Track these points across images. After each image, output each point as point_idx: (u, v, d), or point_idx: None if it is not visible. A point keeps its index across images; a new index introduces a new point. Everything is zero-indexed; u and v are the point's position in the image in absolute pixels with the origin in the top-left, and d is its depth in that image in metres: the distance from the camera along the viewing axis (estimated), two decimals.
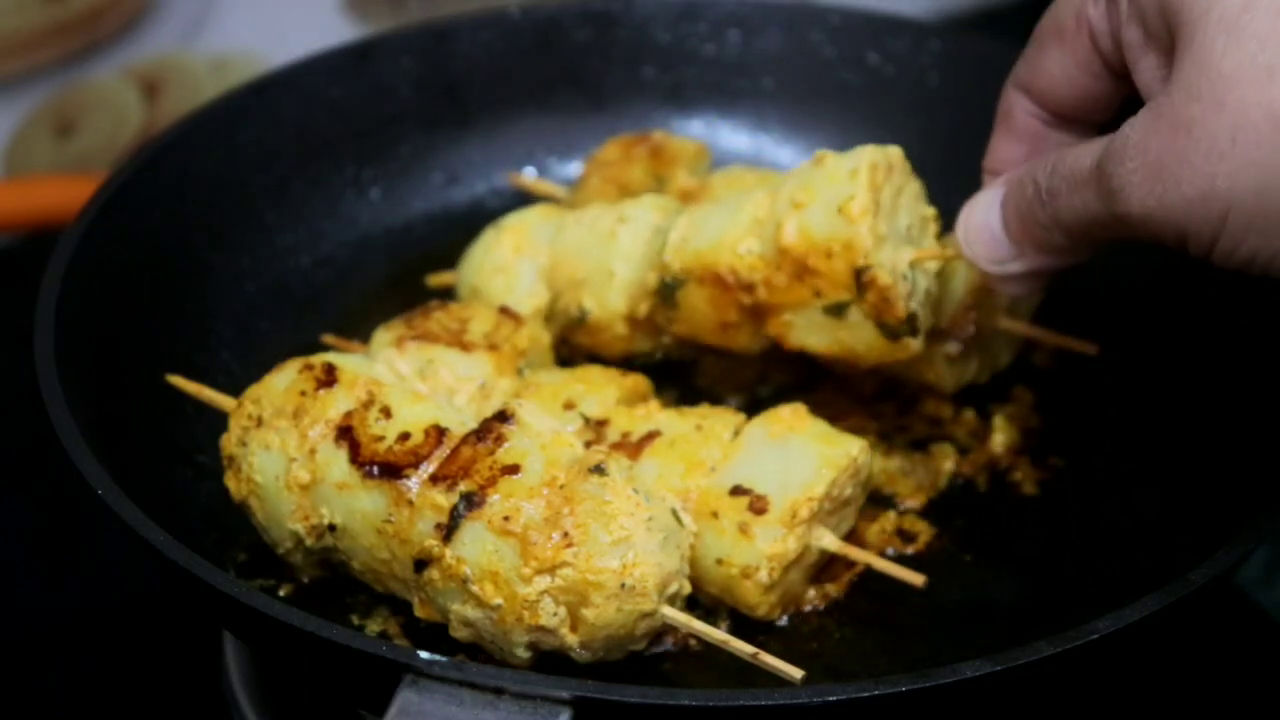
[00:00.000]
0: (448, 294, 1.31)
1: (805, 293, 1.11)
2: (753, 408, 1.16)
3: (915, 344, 1.11)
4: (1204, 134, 0.85)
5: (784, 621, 1.08)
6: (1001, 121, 1.07)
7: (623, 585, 0.96)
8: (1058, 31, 1.01)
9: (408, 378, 1.13)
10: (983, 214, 1.03)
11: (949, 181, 1.42)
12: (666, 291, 1.18)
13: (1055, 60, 1.01)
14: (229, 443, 1.08)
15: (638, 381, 1.16)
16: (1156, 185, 0.88)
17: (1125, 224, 0.91)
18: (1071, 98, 1.02)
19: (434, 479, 1.00)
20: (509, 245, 1.26)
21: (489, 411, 1.06)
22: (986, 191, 1.04)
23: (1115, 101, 1.01)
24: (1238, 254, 0.87)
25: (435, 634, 1.02)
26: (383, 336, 1.17)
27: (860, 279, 1.08)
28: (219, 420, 1.10)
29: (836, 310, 1.10)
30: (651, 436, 1.09)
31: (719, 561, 1.04)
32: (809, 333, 1.12)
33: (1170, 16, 0.89)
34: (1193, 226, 0.87)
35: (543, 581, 0.96)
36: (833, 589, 1.10)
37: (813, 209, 1.10)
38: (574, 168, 1.46)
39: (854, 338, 1.11)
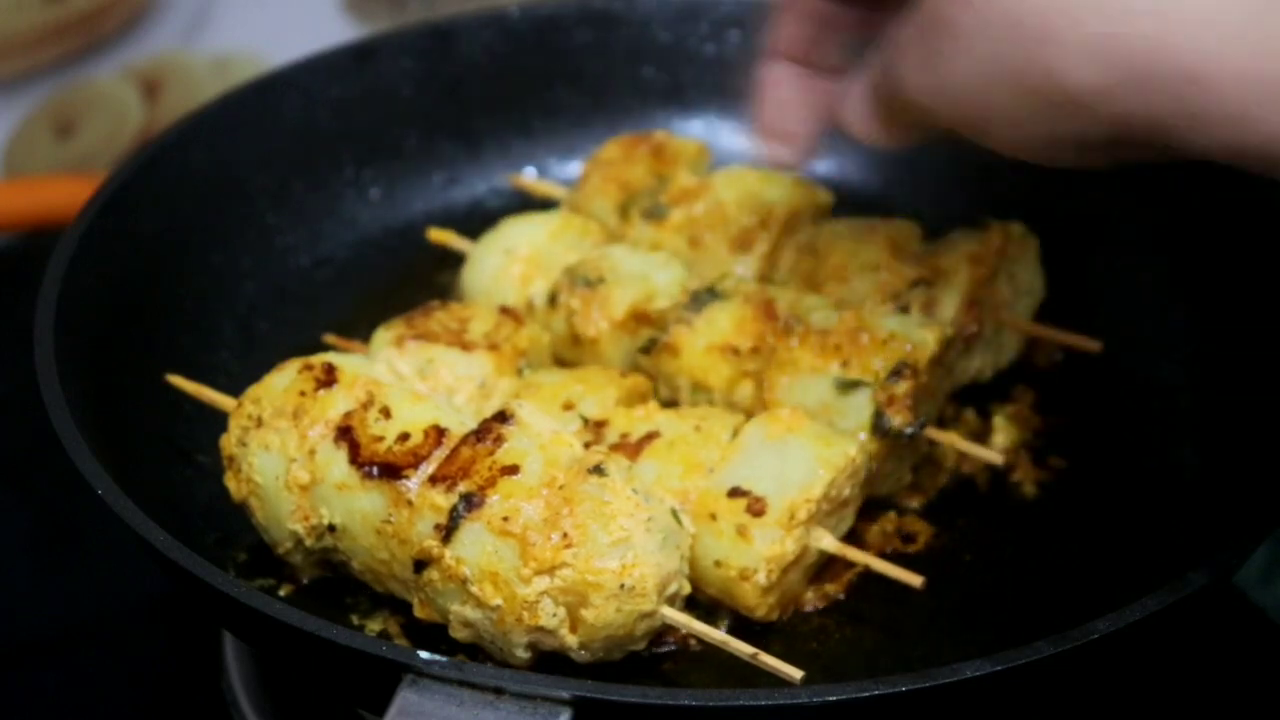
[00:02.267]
0: (447, 294, 1.31)
1: (832, 361, 1.12)
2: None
3: (868, 454, 1.10)
4: (958, 33, 0.88)
5: (784, 621, 1.08)
6: (787, 6, 1.09)
7: (622, 585, 0.96)
8: None
9: (408, 377, 1.13)
10: (860, 111, 1.04)
11: (948, 181, 1.43)
12: (703, 297, 1.17)
13: None
14: (229, 443, 1.08)
15: (637, 382, 1.16)
16: (920, 76, 0.92)
17: (918, 110, 0.95)
18: None
19: (433, 479, 1.00)
20: (518, 275, 1.26)
21: (489, 411, 1.06)
22: (851, 92, 1.05)
23: None
24: (1017, 139, 0.90)
25: (435, 634, 1.02)
26: (383, 336, 1.17)
27: (901, 369, 1.10)
28: (219, 420, 1.10)
29: (848, 387, 1.11)
30: (650, 437, 1.09)
31: (717, 563, 1.04)
32: (797, 395, 1.12)
33: None
34: (947, 116, 0.92)
35: (542, 582, 0.96)
36: (833, 589, 1.10)
37: (902, 320, 1.15)
38: (574, 168, 1.46)
39: (843, 414, 1.11)
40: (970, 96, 0.89)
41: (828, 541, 1.06)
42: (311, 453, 1.04)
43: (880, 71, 0.99)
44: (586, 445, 1.04)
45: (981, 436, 1.22)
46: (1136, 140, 0.85)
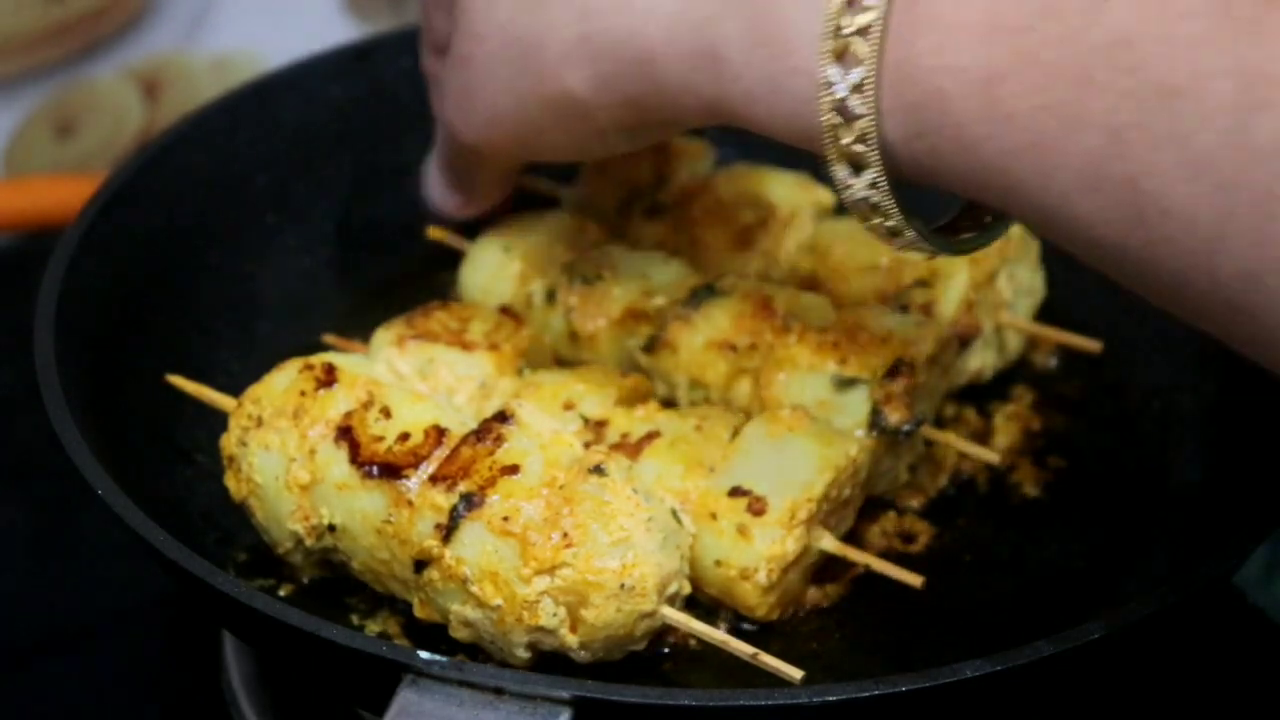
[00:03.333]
0: (447, 293, 1.31)
1: (829, 359, 1.11)
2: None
3: (866, 449, 1.09)
4: (479, 65, 0.99)
5: (784, 621, 1.08)
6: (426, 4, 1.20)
7: (622, 585, 0.96)
8: None
9: (408, 377, 1.13)
10: (433, 186, 1.22)
11: None
12: (701, 294, 1.17)
13: None
14: (229, 443, 1.08)
15: (638, 382, 1.16)
16: (462, 115, 1.04)
17: (477, 153, 1.08)
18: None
19: (434, 479, 1.00)
20: (516, 273, 1.25)
21: (489, 411, 1.06)
22: (428, 164, 1.22)
23: None
24: (563, 146, 1.02)
25: (435, 634, 1.02)
26: (383, 336, 1.17)
27: (898, 367, 1.09)
28: (219, 420, 1.10)
29: (845, 384, 1.11)
30: (651, 437, 1.09)
31: (718, 563, 1.04)
32: (795, 392, 1.12)
33: None
34: (499, 146, 1.03)
35: (542, 582, 0.96)
36: (833, 589, 1.10)
37: (900, 319, 1.14)
38: (574, 167, 1.46)
39: (841, 412, 1.11)
40: (506, 122, 1.00)
41: (828, 541, 1.06)
42: (312, 453, 1.04)
43: (438, 121, 1.11)
44: (587, 445, 1.04)
45: (982, 436, 1.22)
46: (655, 120, 0.95)
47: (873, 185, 0.85)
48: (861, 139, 0.83)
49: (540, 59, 0.96)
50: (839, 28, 0.82)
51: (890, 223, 0.88)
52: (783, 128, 0.88)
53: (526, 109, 0.99)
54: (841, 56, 0.82)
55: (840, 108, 0.83)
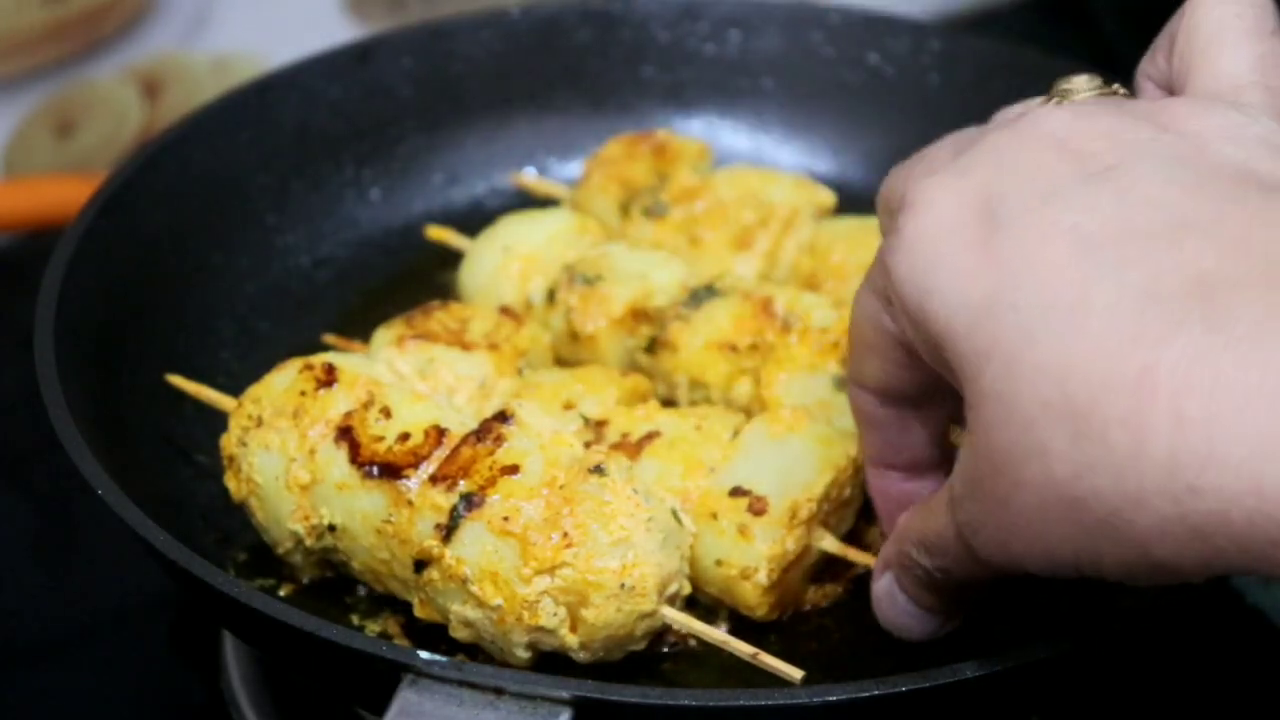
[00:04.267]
0: (447, 293, 1.31)
1: (830, 359, 1.12)
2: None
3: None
4: (1020, 509, 0.82)
5: (784, 621, 1.08)
6: (859, 419, 1.01)
7: (622, 585, 0.96)
8: (864, 343, 0.96)
9: (408, 377, 1.13)
10: (892, 609, 0.99)
11: None
12: (701, 294, 1.17)
13: (877, 366, 0.96)
14: (229, 443, 1.08)
15: (637, 382, 1.16)
16: (1002, 550, 0.85)
17: (1004, 573, 0.89)
18: (908, 388, 0.96)
19: (434, 479, 1.00)
20: (517, 273, 1.25)
21: (489, 411, 1.06)
22: (879, 582, 0.99)
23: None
24: (1106, 572, 0.84)
25: (435, 634, 1.02)
26: (383, 336, 1.17)
27: None
28: (219, 420, 1.10)
29: (845, 384, 1.11)
30: (651, 437, 1.09)
31: (718, 563, 1.04)
32: (796, 392, 1.12)
33: (942, 360, 0.85)
34: (1058, 571, 0.84)
35: (542, 582, 0.96)
36: (833, 589, 1.10)
37: None
38: (574, 167, 1.47)
39: (841, 412, 1.11)
40: (1061, 560, 0.84)
41: (829, 542, 1.06)
42: (312, 452, 1.04)
43: (949, 535, 0.90)
44: (587, 445, 1.04)
45: None
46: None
47: None
48: None
49: (1116, 528, 0.80)
50: None
51: None
52: None
53: (1097, 557, 0.83)
54: None
55: None
